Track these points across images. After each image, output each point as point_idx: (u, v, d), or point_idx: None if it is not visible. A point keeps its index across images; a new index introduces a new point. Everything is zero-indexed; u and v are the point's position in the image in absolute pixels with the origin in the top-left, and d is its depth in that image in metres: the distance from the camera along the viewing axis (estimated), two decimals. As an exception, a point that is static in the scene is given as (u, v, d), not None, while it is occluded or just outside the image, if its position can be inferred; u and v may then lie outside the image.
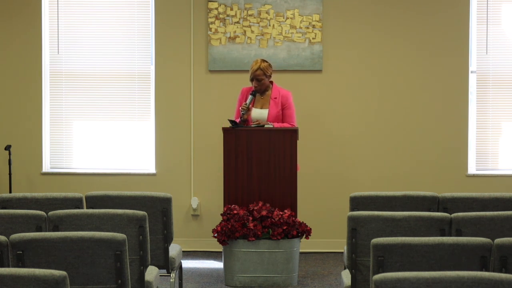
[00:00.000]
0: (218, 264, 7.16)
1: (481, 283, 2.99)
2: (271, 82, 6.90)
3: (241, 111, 6.70)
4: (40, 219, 4.54)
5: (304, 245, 7.27)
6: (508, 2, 7.90)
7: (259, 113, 6.84)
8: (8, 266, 3.89)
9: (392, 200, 5.26)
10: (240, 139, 6.56)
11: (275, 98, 6.84)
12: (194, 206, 7.84)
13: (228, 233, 6.24)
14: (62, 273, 3.12)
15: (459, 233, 4.44)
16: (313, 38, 7.80)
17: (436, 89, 7.83)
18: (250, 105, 6.77)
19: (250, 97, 6.76)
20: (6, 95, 7.95)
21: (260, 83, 6.79)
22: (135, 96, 7.96)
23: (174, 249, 5.46)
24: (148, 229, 4.58)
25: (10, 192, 7.62)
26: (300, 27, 7.81)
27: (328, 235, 7.78)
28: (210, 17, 7.83)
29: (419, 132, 7.84)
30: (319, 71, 7.85)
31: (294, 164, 6.54)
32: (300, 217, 6.82)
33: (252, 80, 6.80)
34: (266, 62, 6.84)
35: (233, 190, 6.55)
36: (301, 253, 6.95)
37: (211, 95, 7.86)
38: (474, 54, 7.85)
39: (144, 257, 4.52)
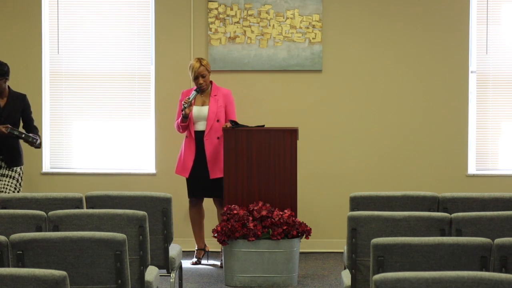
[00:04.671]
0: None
1: (481, 283, 2.99)
2: (211, 82, 7.15)
3: (183, 105, 6.95)
4: (40, 219, 4.54)
5: (304, 245, 7.27)
6: (508, 2, 7.90)
7: (199, 110, 7.08)
8: (8, 266, 3.89)
9: (392, 200, 5.26)
10: (240, 139, 6.56)
11: (215, 95, 7.10)
12: (194, 206, 7.83)
13: (228, 233, 6.24)
14: (62, 273, 3.12)
15: (459, 233, 4.44)
16: (313, 38, 7.80)
17: (436, 89, 7.83)
18: (193, 101, 7.03)
19: (193, 93, 7.03)
20: (6, 95, 7.95)
21: (205, 79, 7.05)
22: (135, 96, 7.97)
23: (174, 249, 5.46)
24: (148, 229, 4.58)
25: (10, 192, 7.62)
26: (300, 27, 7.81)
27: (328, 235, 7.78)
28: (210, 17, 7.83)
29: (419, 132, 7.84)
30: (319, 71, 7.85)
31: (294, 164, 6.54)
32: (300, 217, 6.82)
33: (196, 78, 7.05)
34: (205, 60, 7.15)
35: (233, 190, 6.56)
36: (301, 253, 6.95)
37: (211, 95, 7.87)
38: (474, 54, 7.85)
39: (144, 257, 4.53)
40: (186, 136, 7.10)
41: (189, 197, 7.19)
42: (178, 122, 7.08)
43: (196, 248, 7.23)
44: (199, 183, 7.05)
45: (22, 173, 6.87)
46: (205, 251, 7.25)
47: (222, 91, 7.13)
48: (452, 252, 3.71)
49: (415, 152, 7.85)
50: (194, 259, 7.17)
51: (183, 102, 6.96)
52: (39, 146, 6.80)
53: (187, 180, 7.12)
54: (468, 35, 7.82)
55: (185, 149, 7.09)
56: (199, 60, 7.08)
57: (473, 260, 3.71)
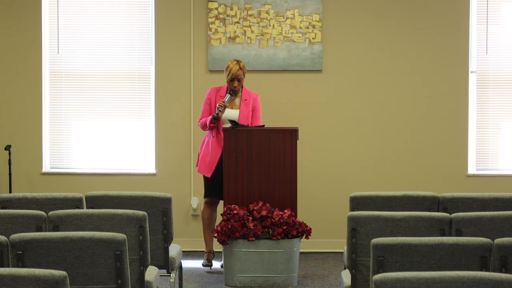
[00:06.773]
0: (218, 264, 7.16)
1: (481, 283, 2.99)
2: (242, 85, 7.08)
3: (218, 108, 6.82)
4: (40, 219, 4.55)
5: (304, 245, 7.27)
6: (508, 2, 7.90)
7: (229, 113, 6.96)
8: (8, 266, 3.89)
9: (392, 200, 5.27)
10: (240, 139, 6.56)
11: (246, 100, 7.01)
12: (194, 206, 7.84)
13: (228, 233, 6.24)
14: (62, 273, 3.12)
15: (459, 233, 4.44)
16: (313, 38, 7.81)
17: (436, 89, 7.83)
18: (227, 104, 6.91)
19: (228, 95, 6.91)
20: (6, 95, 7.95)
21: (240, 83, 6.97)
22: (135, 96, 7.97)
23: (174, 249, 5.47)
24: (148, 229, 4.58)
25: (10, 192, 7.62)
26: (300, 27, 7.81)
27: (328, 235, 7.78)
28: (210, 17, 7.83)
29: (419, 132, 7.84)
30: (319, 71, 7.86)
31: (294, 164, 6.54)
32: (300, 217, 6.82)
33: (232, 80, 6.93)
34: (242, 62, 7.05)
35: (233, 190, 6.56)
36: (301, 253, 6.95)
37: (211, 95, 7.86)
38: (474, 54, 7.85)
39: (144, 257, 4.53)
40: (213, 136, 6.97)
41: (205, 197, 7.10)
42: (206, 122, 6.93)
43: (206, 251, 7.12)
44: (219, 184, 6.93)
45: None
46: (214, 253, 7.14)
47: (252, 95, 7.04)
48: (452, 252, 3.71)
49: (415, 152, 7.85)
50: (205, 261, 7.05)
51: (217, 105, 6.83)
52: None
53: (208, 179, 7.01)
54: (468, 35, 7.82)
55: (211, 148, 6.95)
56: (238, 62, 6.96)
57: (473, 260, 3.71)
